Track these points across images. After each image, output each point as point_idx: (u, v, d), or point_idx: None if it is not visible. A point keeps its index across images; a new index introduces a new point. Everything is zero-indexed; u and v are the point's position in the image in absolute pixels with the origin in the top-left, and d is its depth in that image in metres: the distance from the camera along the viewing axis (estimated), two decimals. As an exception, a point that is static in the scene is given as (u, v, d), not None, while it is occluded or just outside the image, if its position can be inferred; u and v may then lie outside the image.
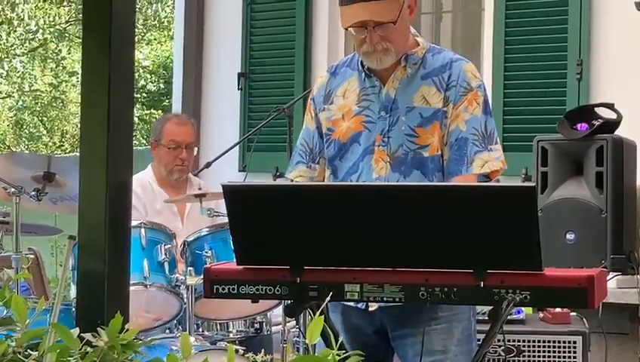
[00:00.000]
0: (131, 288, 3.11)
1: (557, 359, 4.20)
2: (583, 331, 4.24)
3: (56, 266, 9.61)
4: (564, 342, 4.21)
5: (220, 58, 7.43)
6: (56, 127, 22.51)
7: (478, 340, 3.14)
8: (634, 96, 5.54)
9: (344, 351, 2.07)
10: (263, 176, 6.29)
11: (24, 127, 22.33)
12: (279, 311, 4.68)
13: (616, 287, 4.79)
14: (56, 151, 21.21)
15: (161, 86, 21.33)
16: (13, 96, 21.88)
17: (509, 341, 4.17)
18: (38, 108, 22.24)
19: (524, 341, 4.22)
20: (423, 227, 2.67)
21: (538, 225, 2.60)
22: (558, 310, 4.28)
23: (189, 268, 4.37)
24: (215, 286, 2.82)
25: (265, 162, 6.49)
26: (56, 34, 21.41)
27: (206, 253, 4.41)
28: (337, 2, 3.26)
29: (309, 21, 7.02)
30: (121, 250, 2.59)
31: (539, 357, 4.21)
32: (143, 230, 4.38)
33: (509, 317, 4.03)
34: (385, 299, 2.74)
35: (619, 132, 5.03)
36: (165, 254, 4.39)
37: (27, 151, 20.24)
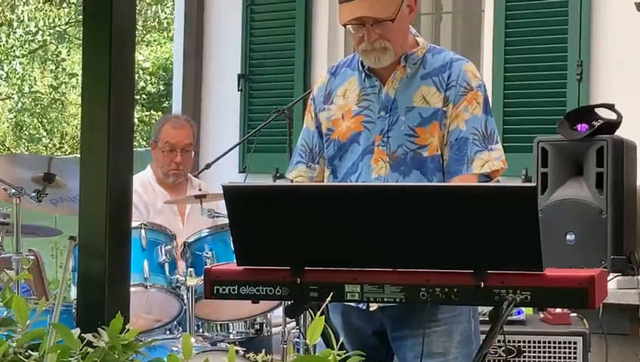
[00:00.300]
0: (132, 289, 3.11)
1: (557, 359, 4.21)
2: (583, 332, 4.24)
3: (57, 267, 9.62)
4: (565, 343, 4.21)
5: (219, 59, 7.43)
6: (56, 129, 22.50)
7: (481, 342, 3.14)
8: (634, 96, 5.54)
9: (344, 352, 2.07)
10: (263, 177, 6.29)
11: (24, 128, 22.32)
12: (279, 311, 4.69)
13: (616, 288, 4.79)
14: (56, 153, 21.20)
15: (161, 87, 21.33)
16: (13, 98, 21.88)
17: (509, 341, 4.17)
18: (38, 110, 22.23)
19: (524, 341, 4.22)
20: (423, 227, 2.67)
21: (539, 225, 2.60)
22: (558, 310, 4.29)
23: (190, 269, 4.38)
24: (215, 287, 2.82)
25: (265, 163, 6.50)
26: (56, 35, 21.41)
27: (206, 253, 4.41)
28: (337, 3, 3.26)
29: (309, 22, 7.02)
30: (122, 251, 2.59)
31: (539, 357, 4.21)
32: (143, 231, 4.38)
33: (509, 318, 4.04)
34: (385, 299, 2.74)
35: (619, 132, 5.03)
36: (166, 255, 4.40)
37: (27, 153, 20.24)
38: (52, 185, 4.52)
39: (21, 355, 2.16)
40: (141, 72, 21.01)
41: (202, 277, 2.92)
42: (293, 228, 2.75)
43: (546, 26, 6.09)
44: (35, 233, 5.65)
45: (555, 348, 4.21)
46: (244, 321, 4.70)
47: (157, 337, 4.14)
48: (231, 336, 4.67)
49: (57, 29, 21.32)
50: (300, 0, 7.02)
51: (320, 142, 3.35)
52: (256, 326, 4.72)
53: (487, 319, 2.69)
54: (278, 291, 2.78)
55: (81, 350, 2.11)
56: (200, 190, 4.97)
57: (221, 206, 4.52)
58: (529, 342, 4.22)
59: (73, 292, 4.17)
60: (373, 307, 3.17)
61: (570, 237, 4.98)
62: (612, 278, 4.78)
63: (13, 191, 4.40)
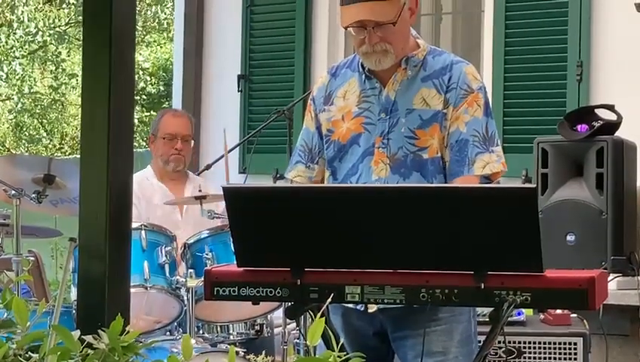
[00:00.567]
0: (132, 290, 3.11)
1: (558, 360, 4.21)
2: (583, 332, 4.24)
3: (57, 269, 9.61)
4: (565, 344, 4.21)
5: (219, 60, 7.43)
6: (56, 130, 22.50)
7: (479, 341, 3.14)
8: (634, 97, 5.54)
9: (345, 353, 2.07)
10: (263, 178, 6.29)
11: (24, 129, 22.32)
12: (280, 313, 4.68)
13: (616, 289, 4.79)
14: (56, 154, 21.20)
15: (161, 88, 21.32)
16: (13, 99, 21.88)
17: (509, 342, 4.17)
18: (37, 111, 22.22)
19: (524, 342, 4.22)
20: (423, 228, 2.67)
21: (539, 226, 2.60)
22: (558, 311, 4.29)
23: (190, 271, 4.37)
24: (215, 289, 2.82)
25: (265, 164, 6.49)
26: (55, 36, 21.40)
27: (206, 255, 4.41)
28: (337, 5, 3.26)
29: (309, 23, 7.02)
30: (122, 252, 2.59)
31: (539, 358, 4.21)
32: (143, 232, 4.38)
33: (509, 319, 4.04)
34: (385, 300, 2.74)
35: (619, 133, 5.03)
36: (166, 256, 4.40)
37: (27, 154, 20.23)
38: (52, 186, 4.52)
39: (21, 357, 2.16)
40: (141, 72, 21.01)
41: (202, 279, 2.92)
42: (294, 229, 2.75)
43: (546, 27, 6.09)
44: (35, 234, 5.64)
45: (555, 348, 4.21)
46: (244, 322, 4.70)
47: (157, 338, 4.13)
48: (231, 337, 4.67)
49: (57, 29, 21.32)
50: (299, 1, 7.02)
51: (320, 143, 3.35)
52: (256, 327, 4.72)
53: (488, 320, 2.69)
54: (279, 292, 2.78)
55: (81, 352, 2.10)
56: (200, 190, 4.97)
57: (221, 207, 4.53)
58: (529, 342, 4.22)
59: (73, 294, 4.17)
60: (373, 308, 3.17)
61: (570, 237, 4.98)
62: (612, 279, 4.78)
63: (13, 192, 4.40)
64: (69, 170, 4.56)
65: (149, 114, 21.48)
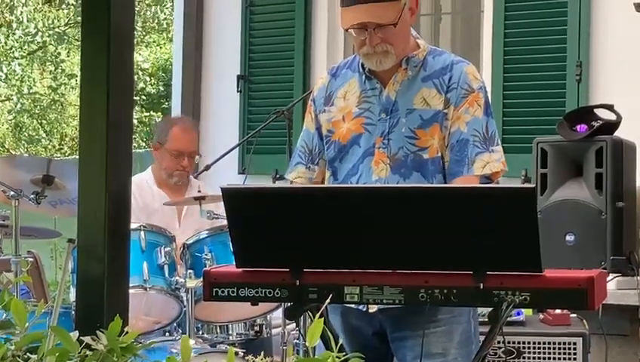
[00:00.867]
0: (131, 291, 3.12)
1: (557, 360, 4.20)
2: (583, 332, 4.24)
3: (56, 269, 9.61)
4: (564, 344, 4.21)
5: (219, 60, 7.42)
6: (55, 130, 22.50)
7: (480, 342, 3.14)
8: (633, 97, 5.54)
9: (344, 353, 2.07)
10: (263, 178, 6.28)
11: (23, 130, 22.32)
12: (279, 313, 4.68)
13: (616, 289, 4.79)
14: (55, 154, 21.19)
15: (161, 88, 21.31)
16: (12, 99, 21.87)
17: (509, 342, 4.16)
18: (37, 111, 22.22)
19: (524, 342, 4.22)
20: (422, 229, 2.67)
21: (538, 226, 2.60)
22: (558, 311, 4.28)
23: (189, 271, 4.37)
24: (214, 289, 2.82)
25: (264, 164, 6.49)
26: (55, 37, 21.40)
27: (206, 255, 4.41)
28: (336, 5, 3.26)
29: (309, 23, 7.02)
30: (121, 253, 2.59)
31: (539, 358, 4.21)
32: (142, 233, 4.38)
33: (509, 319, 4.04)
34: (384, 301, 2.73)
35: (618, 133, 5.03)
36: (165, 257, 4.39)
37: (26, 154, 20.23)
38: (51, 187, 4.51)
39: (20, 358, 2.16)
40: (141, 72, 21.00)
41: (201, 279, 2.91)
42: (292, 229, 2.75)
43: (545, 27, 6.09)
44: (35, 235, 5.64)
45: (554, 348, 4.21)
46: (243, 323, 4.70)
47: (156, 339, 4.13)
48: (231, 338, 4.67)
49: (56, 30, 21.31)
50: (299, 1, 7.02)
51: (320, 144, 3.35)
52: (255, 327, 4.72)
53: (487, 320, 2.69)
54: (278, 293, 2.77)
55: (79, 353, 2.10)
56: (199, 191, 4.97)
57: (220, 207, 4.52)
58: (529, 342, 4.22)
59: (72, 295, 4.16)
60: (373, 308, 3.17)
61: (569, 237, 4.98)
62: (612, 279, 4.78)
63: (12, 193, 4.40)
64: (68, 170, 4.56)
65: (148, 114, 21.48)
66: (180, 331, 4.44)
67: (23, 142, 22.19)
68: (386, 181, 3.18)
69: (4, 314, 2.31)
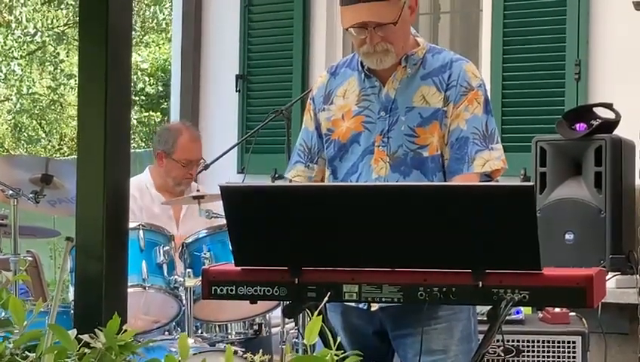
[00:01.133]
0: (130, 290, 3.11)
1: (556, 359, 4.20)
2: (582, 331, 4.24)
3: (55, 269, 9.61)
4: (564, 342, 4.21)
5: (218, 60, 7.42)
6: (54, 130, 22.50)
7: (479, 340, 3.14)
8: (632, 95, 5.54)
9: (342, 351, 2.06)
10: (262, 177, 6.28)
11: (23, 130, 22.32)
12: (278, 312, 4.68)
13: (615, 287, 4.79)
14: (55, 155, 21.19)
15: (160, 88, 21.31)
16: (12, 99, 21.87)
17: (508, 341, 4.16)
18: (36, 111, 22.22)
19: (523, 341, 4.22)
20: (421, 227, 2.67)
21: (537, 224, 2.60)
22: (557, 310, 4.28)
23: (188, 270, 4.37)
24: (213, 288, 2.82)
25: (263, 164, 6.48)
26: (54, 37, 21.40)
27: (204, 254, 4.41)
28: (335, 4, 3.26)
29: (307, 23, 7.01)
30: (119, 252, 2.59)
31: (538, 357, 4.21)
32: (141, 232, 4.38)
33: (508, 317, 4.04)
34: (383, 299, 2.73)
35: (617, 132, 5.03)
36: (164, 256, 4.39)
37: (26, 154, 20.23)
38: (50, 186, 4.51)
39: (18, 356, 2.16)
40: (140, 73, 21.00)
41: (200, 278, 2.91)
42: (291, 228, 2.75)
43: (544, 26, 6.09)
44: (34, 234, 5.64)
45: (554, 347, 4.21)
46: (242, 322, 4.70)
47: (155, 338, 4.13)
48: (230, 337, 4.66)
49: (56, 30, 21.32)
50: (297, 0, 7.02)
51: (319, 142, 3.35)
52: (255, 326, 4.71)
53: (486, 318, 2.69)
54: (276, 291, 2.77)
55: (78, 351, 2.10)
56: (198, 190, 4.97)
57: (219, 206, 4.52)
58: (528, 341, 4.22)
59: (72, 293, 4.16)
60: (375, 307, 3.16)
61: (569, 236, 4.98)
62: (611, 277, 4.78)
63: (10, 192, 4.39)
64: (66, 170, 4.56)
65: (147, 114, 21.48)
66: (179, 330, 4.44)
67: (22, 142, 22.19)
68: (385, 179, 3.18)
69: (3, 313, 2.31)
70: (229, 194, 2.76)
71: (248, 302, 2.83)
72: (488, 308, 2.68)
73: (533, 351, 4.21)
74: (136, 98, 20.80)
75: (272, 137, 6.30)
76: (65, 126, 22.31)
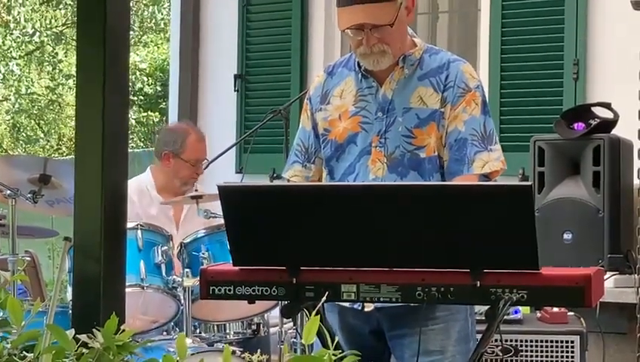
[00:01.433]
0: (128, 290, 3.11)
1: (555, 358, 4.20)
2: (580, 330, 4.24)
3: (54, 269, 9.61)
4: (562, 342, 4.21)
5: (216, 60, 7.42)
6: (53, 130, 22.50)
7: (477, 340, 3.14)
8: (630, 95, 5.52)
9: (340, 351, 2.07)
10: (260, 177, 6.28)
11: (21, 130, 22.32)
12: (277, 312, 4.68)
13: (613, 287, 4.79)
14: (53, 155, 21.19)
15: (158, 88, 21.31)
16: (10, 100, 21.87)
17: (506, 340, 4.16)
18: (35, 112, 22.22)
19: (521, 340, 4.22)
20: (419, 227, 2.67)
21: (535, 224, 2.60)
22: (555, 309, 4.28)
23: (186, 270, 4.37)
24: (211, 288, 2.82)
25: (262, 163, 6.48)
26: (52, 37, 21.40)
27: (203, 254, 4.41)
28: (333, 3, 3.25)
29: (305, 22, 7.01)
30: (117, 252, 2.59)
31: (536, 356, 4.21)
32: (139, 232, 4.37)
33: (506, 317, 4.03)
34: (381, 299, 2.73)
35: (616, 131, 5.03)
36: (162, 256, 4.39)
37: (24, 154, 20.22)
38: (48, 186, 4.51)
39: (16, 356, 2.16)
40: (138, 72, 21.00)
41: (199, 278, 2.91)
42: (289, 228, 2.75)
43: (542, 25, 6.09)
44: (32, 234, 5.64)
45: (552, 347, 4.21)
46: (241, 322, 4.70)
47: (153, 338, 4.13)
48: (228, 337, 4.66)
49: (54, 30, 21.31)
50: (296, 0, 7.02)
51: (316, 142, 3.34)
52: (253, 326, 4.71)
53: (484, 318, 2.69)
54: (274, 291, 2.77)
55: (75, 351, 2.10)
56: (196, 190, 4.97)
57: (217, 206, 4.52)
58: (526, 341, 4.22)
59: (70, 293, 4.16)
60: (369, 308, 3.16)
61: (567, 236, 4.98)
62: (609, 277, 4.78)
63: (9, 192, 4.39)
64: (64, 170, 4.56)
65: (146, 114, 21.48)
66: (178, 330, 4.44)
67: (20, 142, 22.19)
68: (382, 180, 3.18)
69: (1, 313, 2.31)
70: (227, 194, 2.76)
71: (246, 301, 2.83)
72: (487, 307, 2.68)
73: (532, 351, 4.21)
74: (135, 98, 20.81)
75: (271, 137, 6.30)
76: (63, 126, 22.31)
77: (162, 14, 20.92)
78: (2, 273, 2.44)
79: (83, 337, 2.10)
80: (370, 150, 3.22)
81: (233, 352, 3.89)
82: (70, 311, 3.68)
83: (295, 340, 4.65)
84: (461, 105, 3.20)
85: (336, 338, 2.13)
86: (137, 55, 20.92)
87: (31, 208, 4.56)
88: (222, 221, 4.33)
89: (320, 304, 2.30)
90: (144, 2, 21.22)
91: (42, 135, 22.47)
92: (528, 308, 4.33)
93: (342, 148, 3.26)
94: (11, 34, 21.25)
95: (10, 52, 21.38)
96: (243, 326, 4.70)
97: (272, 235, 2.77)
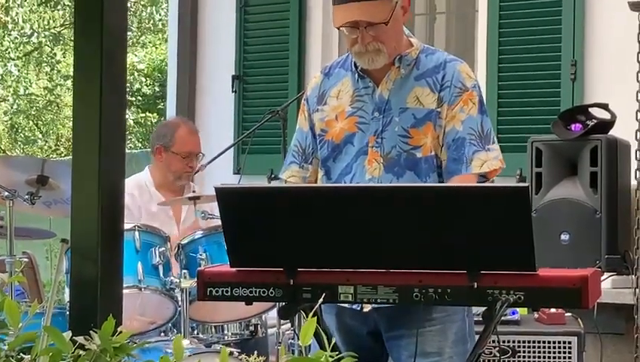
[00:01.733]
0: (126, 291, 3.11)
1: (552, 359, 4.20)
2: (578, 331, 4.24)
3: (51, 270, 9.61)
4: (560, 343, 4.21)
5: (214, 61, 7.42)
6: (51, 131, 22.48)
7: (474, 341, 3.14)
8: (628, 96, 5.53)
9: (337, 353, 2.07)
10: (258, 178, 6.28)
11: (19, 130, 22.30)
12: (274, 313, 4.67)
13: (611, 287, 4.79)
14: (51, 155, 21.18)
15: (156, 89, 21.30)
16: (8, 100, 21.86)
17: (504, 342, 4.16)
18: (33, 112, 22.21)
19: (519, 341, 4.21)
20: (416, 228, 2.67)
21: (531, 225, 2.60)
22: (553, 310, 4.28)
23: (184, 271, 4.36)
24: (208, 289, 2.82)
25: (259, 164, 6.49)
26: (50, 37, 21.38)
27: (200, 255, 4.40)
28: (331, 4, 3.25)
29: (303, 23, 7.02)
30: (114, 253, 2.58)
31: (534, 357, 4.21)
32: (137, 233, 4.37)
33: (504, 318, 4.04)
34: (379, 300, 2.73)
35: (613, 132, 5.03)
36: (159, 257, 4.38)
37: (22, 155, 20.21)
38: (45, 187, 4.51)
39: (13, 358, 2.16)
40: (136, 73, 20.99)
41: (196, 279, 2.91)
42: (286, 229, 2.75)
43: (540, 26, 6.10)
44: (29, 235, 5.63)
45: (549, 348, 4.21)
46: (239, 323, 4.69)
47: (151, 339, 4.13)
48: (226, 338, 4.65)
49: (52, 31, 21.30)
50: (293, 1, 7.02)
51: (313, 143, 3.34)
52: (251, 327, 4.71)
53: (481, 319, 2.69)
54: (272, 292, 2.77)
55: (73, 353, 2.10)
56: (194, 191, 4.96)
57: (215, 207, 4.52)
58: (524, 342, 4.21)
59: (68, 295, 4.16)
60: (367, 308, 3.16)
61: (564, 236, 4.98)
62: (607, 278, 4.78)
63: (6, 193, 4.39)
64: (62, 171, 4.55)
65: (144, 115, 21.46)
66: (175, 331, 4.44)
67: (19, 143, 22.18)
68: (379, 180, 3.18)
69: (-2, 315, 2.31)
70: (224, 195, 2.76)
71: (243, 303, 2.83)
72: (484, 308, 2.68)
73: (529, 352, 4.21)
74: (133, 99, 20.80)
75: (268, 138, 6.30)
76: (61, 127, 22.30)
77: (160, 15, 20.91)
78: (0, 274, 2.44)
79: (80, 339, 2.10)
80: (367, 150, 3.22)
81: (231, 353, 3.89)
82: (68, 313, 3.69)
83: (293, 341, 4.65)
84: (458, 105, 3.20)
85: (334, 340, 2.13)
86: (135, 56, 20.91)
87: (28, 209, 4.56)
88: (219, 222, 4.35)
89: (317, 305, 2.30)
90: (142, 3, 21.22)
91: (40, 136, 22.46)
92: (526, 308, 4.33)
93: (339, 149, 3.26)
94: (9, 35, 21.24)
95: (9, 53, 21.37)
96: (241, 327, 4.69)
97: (269, 236, 2.77)
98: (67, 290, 4.21)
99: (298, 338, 4.33)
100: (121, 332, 2.14)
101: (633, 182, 4.87)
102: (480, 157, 3.18)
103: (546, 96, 6.06)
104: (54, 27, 21.38)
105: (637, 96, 4.59)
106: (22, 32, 21.09)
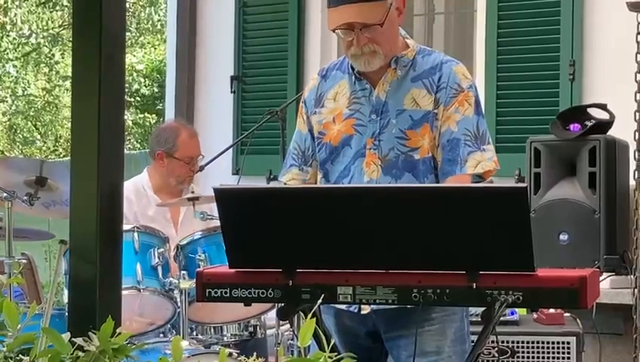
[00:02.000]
0: (125, 292, 3.11)
1: (551, 360, 4.20)
2: (576, 332, 4.24)
3: (50, 271, 9.59)
4: (558, 343, 4.21)
5: (212, 61, 7.42)
6: (50, 132, 22.49)
7: (472, 341, 3.14)
8: (626, 96, 5.53)
9: (336, 354, 2.07)
10: (257, 179, 6.27)
11: (18, 131, 22.31)
12: (274, 314, 4.67)
13: (609, 288, 4.79)
14: (50, 156, 21.18)
15: (155, 90, 21.31)
16: (7, 101, 21.87)
17: (503, 342, 4.17)
18: (31, 113, 22.22)
19: (518, 342, 4.22)
20: (415, 229, 2.67)
21: (530, 225, 2.60)
22: (552, 311, 4.29)
23: (183, 272, 4.36)
24: (207, 290, 2.82)
25: (258, 165, 6.48)
26: (49, 38, 21.40)
27: (199, 256, 4.40)
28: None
29: (302, 24, 7.01)
30: (113, 254, 2.58)
31: (533, 357, 4.21)
32: (136, 234, 4.37)
33: (503, 318, 4.05)
34: (378, 301, 2.73)
35: (611, 132, 5.03)
36: (158, 258, 4.38)
37: (21, 156, 20.21)
38: (44, 188, 4.50)
39: (12, 360, 2.16)
40: (135, 74, 21.00)
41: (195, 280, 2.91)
42: (285, 230, 2.75)
43: (539, 26, 6.10)
44: (28, 237, 5.62)
45: (548, 348, 4.21)
46: (238, 324, 4.69)
47: (149, 340, 4.13)
48: (225, 339, 4.65)
49: (51, 31, 21.31)
50: (292, 2, 7.02)
51: (312, 145, 3.35)
52: (250, 328, 4.71)
53: (480, 319, 2.69)
54: (270, 293, 2.77)
55: (71, 354, 2.10)
56: (192, 192, 4.96)
57: (214, 208, 4.51)
58: (522, 342, 4.22)
59: (66, 296, 4.16)
60: (366, 310, 3.17)
61: (563, 237, 4.98)
62: (605, 278, 4.78)
63: (4, 194, 4.38)
64: (61, 172, 4.55)
65: (142, 115, 21.46)
66: (174, 332, 4.44)
67: (17, 143, 22.18)
68: (377, 182, 3.18)
69: (-3, 316, 2.31)
70: (222, 196, 2.76)
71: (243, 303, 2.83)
72: (483, 308, 2.68)
73: (528, 352, 4.21)
74: (132, 99, 20.81)
75: (267, 138, 6.30)
76: (60, 127, 22.31)
77: (159, 16, 20.92)
78: (-1, 276, 2.44)
79: (79, 340, 2.10)
80: (365, 152, 3.22)
81: (230, 354, 3.89)
82: (66, 314, 3.69)
83: (292, 342, 4.65)
84: (454, 106, 3.20)
85: (333, 341, 2.13)
86: (134, 56, 20.92)
87: (27, 210, 4.55)
88: (218, 223, 4.35)
89: (316, 306, 2.30)
90: (141, 3, 21.22)
91: (39, 136, 22.46)
92: (525, 309, 4.33)
93: (336, 151, 3.26)
94: (8, 35, 21.25)
95: (7, 54, 21.38)
96: (240, 328, 4.69)
97: (268, 237, 2.77)
98: (66, 291, 4.21)
99: (297, 339, 4.33)
100: (120, 333, 2.14)
101: (632, 182, 4.87)
102: (475, 158, 3.18)
103: (545, 96, 6.06)
104: (53, 28, 21.39)
105: (635, 97, 4.59)
106: (20, 32, 21.10)
